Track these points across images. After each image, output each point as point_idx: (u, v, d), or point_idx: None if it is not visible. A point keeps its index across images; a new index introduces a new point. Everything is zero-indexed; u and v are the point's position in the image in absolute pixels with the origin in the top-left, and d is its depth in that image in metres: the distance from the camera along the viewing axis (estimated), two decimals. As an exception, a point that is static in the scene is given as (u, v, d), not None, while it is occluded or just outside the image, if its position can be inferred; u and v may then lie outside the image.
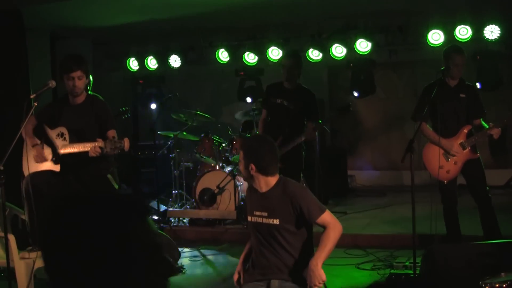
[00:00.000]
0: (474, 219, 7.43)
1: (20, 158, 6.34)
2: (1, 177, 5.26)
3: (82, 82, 6.12)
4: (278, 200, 4.72)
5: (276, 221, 4.71)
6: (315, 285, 4.45)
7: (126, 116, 9.71)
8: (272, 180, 4.80)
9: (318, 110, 8.19)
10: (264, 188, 4.82)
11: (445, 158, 7.16)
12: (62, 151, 6.03)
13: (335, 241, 4.62)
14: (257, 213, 4.83)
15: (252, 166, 4.74)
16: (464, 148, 7.14)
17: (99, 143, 5.77)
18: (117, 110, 9.48)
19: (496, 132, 6.99)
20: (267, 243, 4.79)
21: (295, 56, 8.43)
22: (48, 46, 11.40)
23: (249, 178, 4.85)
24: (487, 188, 7.25)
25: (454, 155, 7.13)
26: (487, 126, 7.08)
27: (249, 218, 4.94)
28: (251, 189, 4.95)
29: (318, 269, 4.46)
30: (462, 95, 7.22)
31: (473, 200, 7.32)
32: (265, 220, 4.77)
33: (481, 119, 7.23)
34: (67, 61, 6.10)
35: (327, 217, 4.63)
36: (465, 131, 7.18)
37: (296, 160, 7.89)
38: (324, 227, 4.64)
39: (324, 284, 4.54)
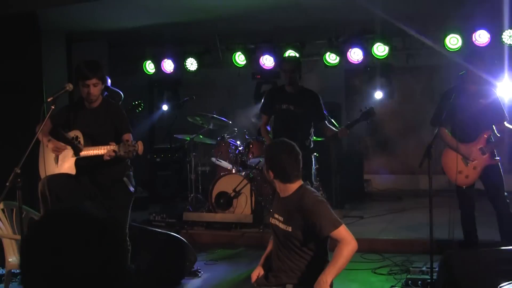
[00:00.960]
0: (491, 224, 7.38)
1: (36, 161, 6.35)
2: (18, 180, 5.27)
3: (97, 89, 6.09)
4: (293, 209, 4.71)
5: (289, 228, 4.71)
6: None
7: (139, 109, 9.70)
8: (292, 187, 4.79)
9: (324, 109, 8.13)
10: (283, 194, 4.84)
11: (464, 163, 7.11)
12: (81, 153, 6.03)
13: (348, 258, 4.53)
14: (276, 215, 4.85)
15: (271, 172, 4.77)
16: (483, 154, 7.09)
17: (113, 146, 5.77)
18: (129, 104, 9.51)
19: None
20: (282, 246, 4.80)
21: (294, 60, 8.38)
22: (64, 48, 11.44)
23: (271, 183, 4.88)
24: (505, 193, 7.20)
25: (473, 160, 7.08)
26: None
27: (270, 219, 4.97)
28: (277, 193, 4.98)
29: (326, 286, 4.40)
30: (481, 100, 7.16)
31: (491, 205, 7.27)
32: (281, 225, 4.78)
33: (505, 122, 7.18)
34: (82, 68, 6.01)
35: (341, 232, 4.55)
36: (485, 136, 7.14)
37: (308, 163, 7.85)
38: (337, 242, 4.61)
39: None
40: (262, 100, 8.50)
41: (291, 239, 4.71)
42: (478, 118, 7.18)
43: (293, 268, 4.74)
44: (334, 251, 4.55)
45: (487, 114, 7.19)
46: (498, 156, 7.19)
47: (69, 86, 5.96)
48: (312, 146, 8.13)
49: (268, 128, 8.34)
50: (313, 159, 8.20)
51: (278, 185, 4.82)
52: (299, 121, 7.94)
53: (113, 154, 5.75)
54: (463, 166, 7.10)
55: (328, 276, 4.43)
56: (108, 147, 5.78)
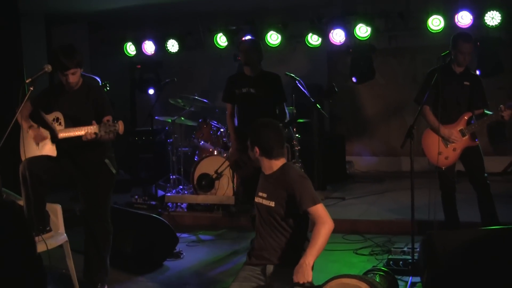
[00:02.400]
0: (472, 205, 7.42)
1: (17, 144, 6.28)
2: (-3, 163, 5.22)
3: (76, 77, 6.01)
4: (276, 184, 4.75)
5: (272, 204, 4.74)
6: (298, 283, 4.37)
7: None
8: (277, 163, 4.83)
9: (284, 90, 7.99)
10: (267, 171, 4.87)
11: (444, 144, 7.13)
12: (61, 135, 5.96)
13: (327, 237, 4.54)
14: (260, 194, 4.88)
15: (256, 149, 4.80)
16: (463, 135, 7.11)
17: (94, 126, 5.71)
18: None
19: (508, 114, 6.89)
20: (265, 224, 4.83)
21: (252, 41, 8.25)
22: (44, 31, 11.35)
23: (255, 160, 4.90)
24: (486, 175, 7.23)
25: (453, 142, 7.11)
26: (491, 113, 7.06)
27: (255, 199, 4.97)
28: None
29: (308, 268, 4.39)
30: (466, 83, 7.18)
31: (472, 187, 7.30)
32: (264, 202, 4.81)
33: (484, 110, 7.20)
34: (58, 58, 5.86)
35: (318, 209, 4.58)
36: (466, 118, 7.15)
37: None
38: (314, 220, 4.60)
39: (310, 283, 4.43)
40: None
41: (274, 214, 4.74)
42: (461, 100, 7.21)
43: (274, 246, 4.76)
44: (313, 232, 4.56)
45: (470, 97, 7.21)
46: (476, 139, 7.22)
47: (48, 68, 5.89)
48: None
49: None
50: None
51: (263, 162, 4.85)
52: (260, 103, 7.75)
53: (94, 136, 5.69)
54: (443, 148, 7.12)
55: (309, 258, 4.42)
56: (89, 127, 5.72)
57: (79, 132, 5.79)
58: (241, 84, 7.90)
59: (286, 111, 7.98)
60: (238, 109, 8.01)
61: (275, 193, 4.75)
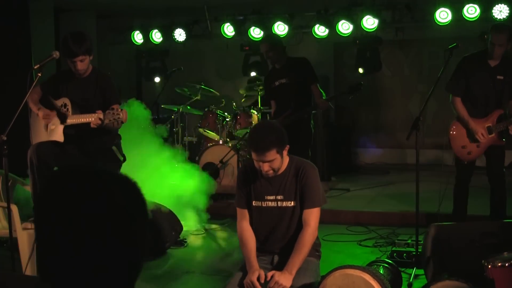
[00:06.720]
0: (477, 199, 7.40)
1: (24, 128, 6.30)
2: (4, 147, 5.23)
3: (85, 64, 6.03)
4: (290, 182, 4.61)
5: (292, 203, 4.62)
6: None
7: None
8: (286, 158, 4.65)
9: (314, 71, 8.24)
10: (280, 170, 4.62)
11: (469, 139, 7.00)
12: (68, 121, 5.98)
13: (310, 246, 4.54)
14: (270, 197, 4.66)
15: (283, 152, 4.53)
16: (490, 133, 6.91)
17: (99, 114, 5.74)
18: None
19: None
20: (278, 224, 4.70)
21: (266, 40, 8.52)
22: (52, 17, 11.33)
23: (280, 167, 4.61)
24: (504, 170, 7.13)
25: (477, 141, 6.95)
26: None
27: (258, 203, 4.72)
28: (252, 172, 4.70)
29: (290, 278, 4.34)
30: (499, 77, 6.90)
31: (484, 180, 7.22)
32: (283, 204, 4.65)
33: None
34: (68, 44, 5.89)
35: (315, 213, 4.56)
36: (496, 115, 6.95)
37: (305, 135, 7.96)
38: (305, 221, 4.56)
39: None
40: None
41: (293, 214, 4.64)
42: (492, 95, 6.97)
43: (286, 237, 4.70)
44: (300, 237, 4.51)
45: (502, 92, 6.96)
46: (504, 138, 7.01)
47: (56, 54, 5.93)
48: (310, 116, 8.15)
49: None
50: (311, 130, 8.19)
51: (280, 161, 4.55)
52: (292, 91, 8.07)
53: (99, 122, 5.71)
54: (467, 142, 6.99)
55: (294, 269, 4.39)
56: (95, 115, 5.75)
57: (85, 119, 5.82)
58: (274, 78, 8.31)
59: (321, 90, 8.07)
60: (277, 101, 8.36)
61: (292, 192, 4.61)
